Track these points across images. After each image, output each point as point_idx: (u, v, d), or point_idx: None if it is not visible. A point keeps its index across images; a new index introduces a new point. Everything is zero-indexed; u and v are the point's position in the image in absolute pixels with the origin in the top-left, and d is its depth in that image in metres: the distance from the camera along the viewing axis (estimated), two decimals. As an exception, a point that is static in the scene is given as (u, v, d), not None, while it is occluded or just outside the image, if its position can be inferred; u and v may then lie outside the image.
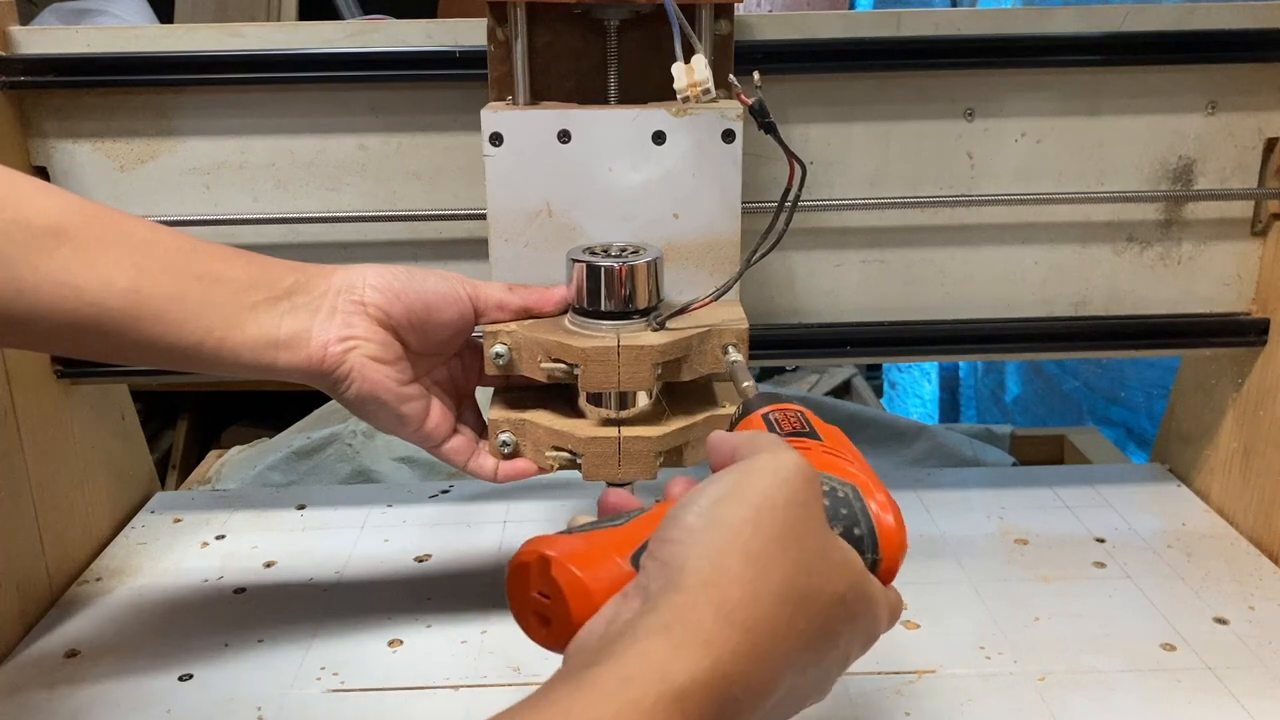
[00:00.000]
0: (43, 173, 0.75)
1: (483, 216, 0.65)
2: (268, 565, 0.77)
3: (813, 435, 0.47)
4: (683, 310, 0.61)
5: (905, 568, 0.75)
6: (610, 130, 0.63)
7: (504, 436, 0.62)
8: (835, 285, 0.79)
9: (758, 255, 0.60)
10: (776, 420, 0.48)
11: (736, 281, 0.61)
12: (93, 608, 0.72)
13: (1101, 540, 0.80)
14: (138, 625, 0.70)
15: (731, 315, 0.62)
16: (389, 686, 0.63)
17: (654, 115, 0.63)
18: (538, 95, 0.67)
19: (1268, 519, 0.78)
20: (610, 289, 0.60)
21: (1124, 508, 0.84)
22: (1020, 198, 0.77)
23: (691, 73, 0.58)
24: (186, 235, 0.55)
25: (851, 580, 0.40)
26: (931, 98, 0.75)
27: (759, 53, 0.71)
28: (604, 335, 0.59)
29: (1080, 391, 1.46)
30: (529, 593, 0.40)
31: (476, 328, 0.62)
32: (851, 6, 1.94)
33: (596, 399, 0.61)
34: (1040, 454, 1.09)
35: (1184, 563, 0.76)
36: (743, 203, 0.65)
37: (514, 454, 0.62)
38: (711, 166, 0.64)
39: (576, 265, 0.60)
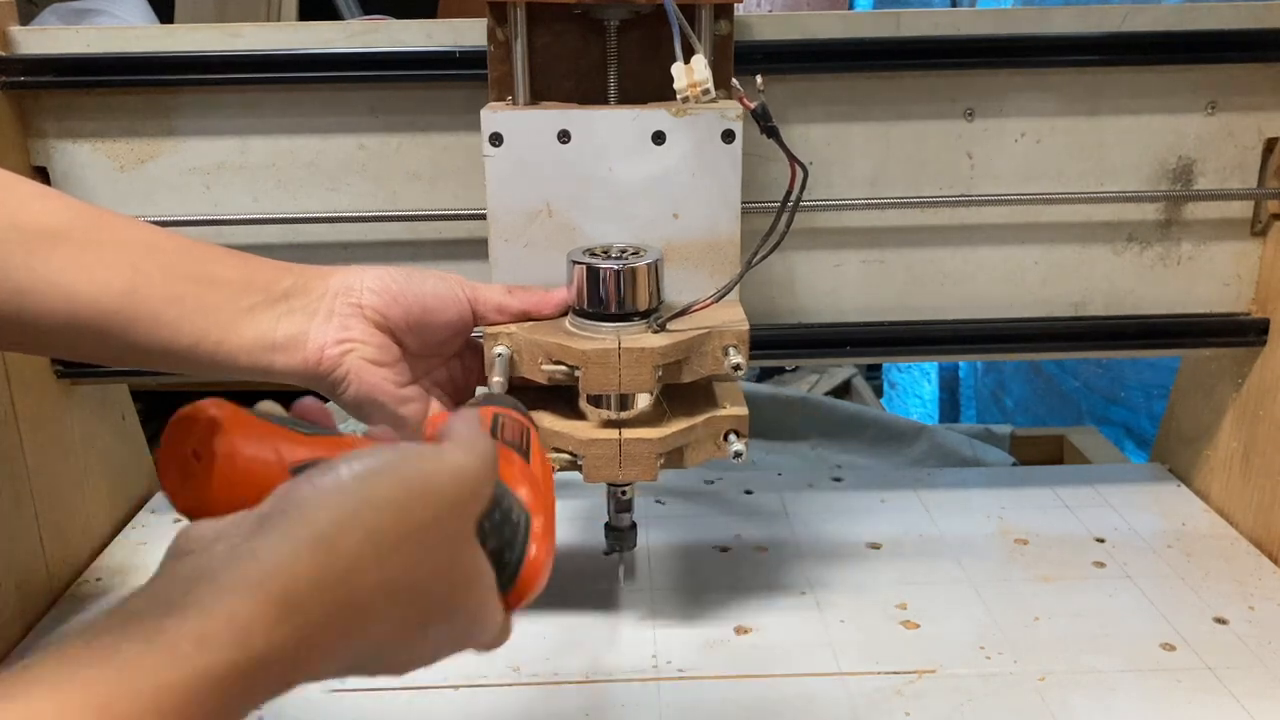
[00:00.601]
0: (43, 173, 0.75)
1: (483, 216, 0.65)
2: (268, 565, 0.77)
3: (525, 454, 0.46)
4: (683, 312, 0.61)
5: (905, 567, 0.75)
6: (610, 130, 0.63)
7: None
8: (835, 285, 0.79)
9: (758, 257, 0.60)
10: (502, 424, 0.47)
11: (737, 283, 0.61)
12: (93, 608, 0.72)
13: (1101, 540, 0.80)
14: (138, 625, 0.70)
15: (732, 316, 0.62)
16: (389, 687, 0.63)
17: (654, 115, 0.63)
18: (538, 95, 0.67)
19: (1268, 519, 0.78)
20: (610, 291, 0.60)
21: (1124, 508, 0.84)
22: (1020, 198, 0.77)
23: (691, 73, 0.58)
24: (183, 237, 0.55)
25: (470, 592, 0.39)
26: (931, 98, 0.75)
27: (759, 53, 0.71)
28: (604, 337, 0.59)
29: (1080, 391, 1.46)
30: (183, 447, 0.37)
31: (476, 329, 0.62)
32: (851, 6, 1.94)
33: (597, 400, 0.61)
34: (1040, 454, 1.09)
35: (1184, 563, 0.76)
36: (743, 203, 0.65)
37: None
38: (711, 166, 0.64)
39: (577, 267, 0.60)
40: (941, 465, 1.03)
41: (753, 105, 0.59)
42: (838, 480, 0.91)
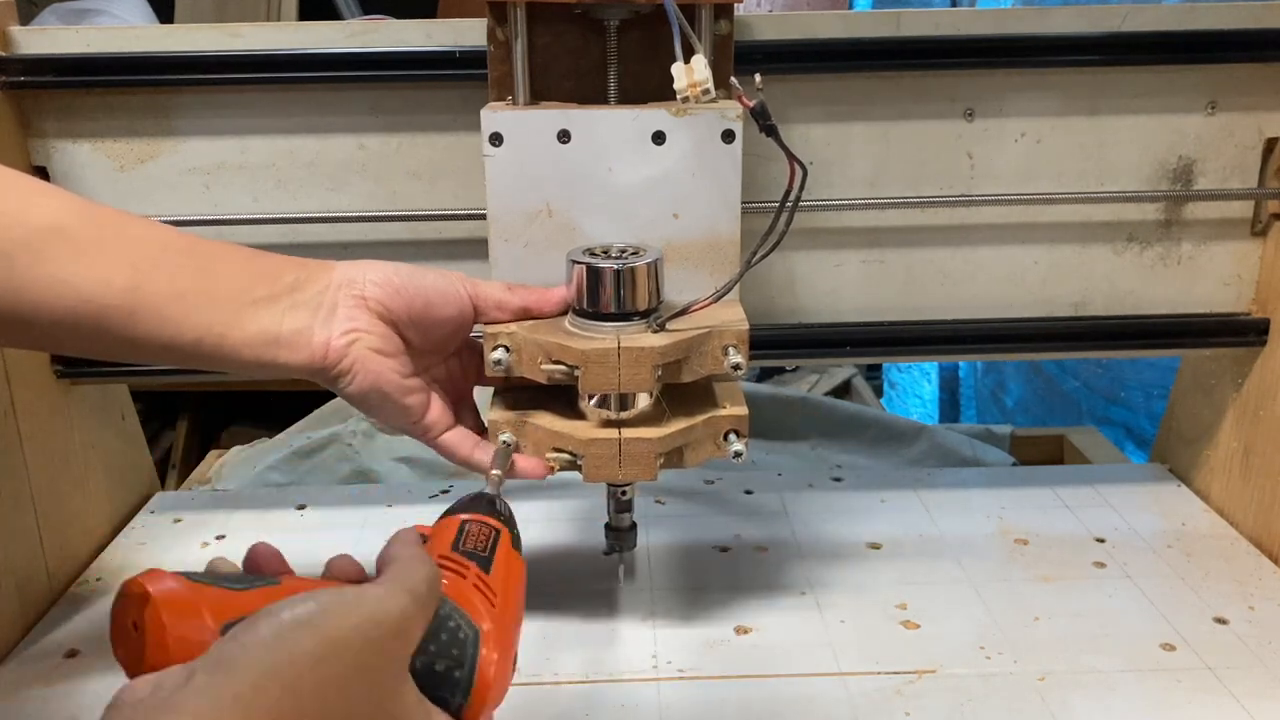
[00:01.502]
0: (43, 173, 0.75)
1: (483, 216, 0.65)
2: (268, 565, 0.77)
3: (485, 563, 0.47)
4: (683, 312, 0.61)
5: (905, 567, 0.75)
6: (610, 130, 0.63)
7: (504, 437, 0.62)
8: (835, 285, 0.79)
9: (758, 257, 0.60)
10: (466, 533, 0.49)
11: (737, 283, 0.61)
12: (93, 608, 0.72)
13: (1101, 540, 0.80)
14: (138, 625, 0.70)
15: (732, 316, 0.62)
16: (389, 686, 0.63)
17: (654, 115, 0.63)
18: (538, 95, 0.67)
19: (1268, 519, 0.78)
20: (610, 291, 0.59)
21: (1124, 508, 0.84)
22: (1020, 198, 0.77)
23: (691, 73, 0.58)
24: (186, 232, 0.55)
25: None
26: (931, 98, 0.75)
27: (759, 53, 0.71)
28: (604, 337, 0.59)
29: (1080, 391, 1.46)
30: (126, 619, 0.39)
31: (475, 327, 0.62)
32: (851, 7, 1.94)
33: (597, 400, 0.61)
34: (1040, 454, 1.09)
35: (1184, 563, 0.76)
36: (743, 203, 0.65)
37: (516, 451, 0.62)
38: (711, 166, 0.64)
39: (577, 267, 0.60)
40: (941, 465, 1.03)
41: (751, 104, 0.59)
42: (838, 480, 0.91)
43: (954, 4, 1.70)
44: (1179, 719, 0.60)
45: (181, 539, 0.81)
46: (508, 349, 0.60)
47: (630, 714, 0.61)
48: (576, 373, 0.58)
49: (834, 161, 0.76)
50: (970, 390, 1.81)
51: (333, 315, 0.56)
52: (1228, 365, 0.84)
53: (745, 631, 0.69)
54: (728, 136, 0.63)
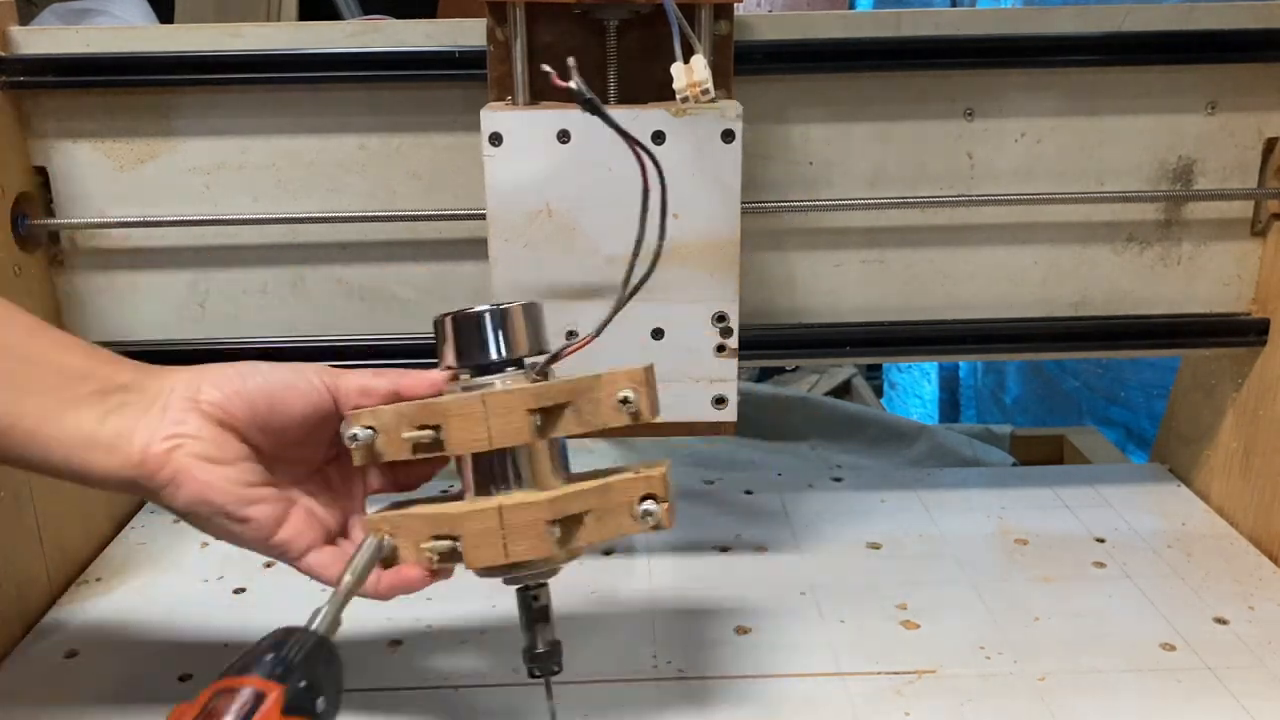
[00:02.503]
0: (43, 173, 0.75)
1: (483, 216, 0.65)
2: (267, 565, 0.77)
3: None
4: (557, 356, 0.54)
5: (905, 567, 0.75)
6: (610, 130, 0.63)
7: (370, 540, 0.52)
8: (835, 285, 0.79)
9: (630, 292, 0.54)
10: (209, 711, 0.41)
11: (614, 316, 0.54)
12: (93, 608, 0.73)
13: (1101, 540, 0.80)
14: (137, 625, 0.70)
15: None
16: (389, 687, 0.63)
17: (654, 115, 0.63)
18: (537, 95, 0.67)
19: (1268, 519, 0.78)
20: (476, 336, 0.52)
21: (1124, 508, 0.84)
22: (1020, 198, 0.77)
23: (691, 73, 0.58)
24: (35, 318, 0.51)
25: None
26: (931, 98, 0.75)
27: (759, 53, 0.71)
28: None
29: (1080, 391, 1.46)
30: None
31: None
32: (851, 6, 1.94)
33: (489, 479, 0.52)
34: (1040, 454, 1.09)
35: (1184, 563, 0.77)
36: (743, 203, 0.65)
37: (393, 560, 0.53)
38: (711, 166, 0.64)
39: (444, 320, 0.53)
40: (941, 465, 1.03)
41: (569, 84, 0.53)
42: (838, 480, 0.91)
43: (954, 4, 1.70)
44: (1179, 719, 0.60)
45: (181, 539, 0.81)
46: (369, 427, 0.52)
47: (630, 714, 0.61)
48: (441, 435, 0.51)
49: (834, 161, 0.76)
50: (970, 390, 1.81)
51: (161, 417, 0.50)
52: (1227, 365, 0.84)
53: (745, 631, 0.69)
54: (727, 136, 0.63)
